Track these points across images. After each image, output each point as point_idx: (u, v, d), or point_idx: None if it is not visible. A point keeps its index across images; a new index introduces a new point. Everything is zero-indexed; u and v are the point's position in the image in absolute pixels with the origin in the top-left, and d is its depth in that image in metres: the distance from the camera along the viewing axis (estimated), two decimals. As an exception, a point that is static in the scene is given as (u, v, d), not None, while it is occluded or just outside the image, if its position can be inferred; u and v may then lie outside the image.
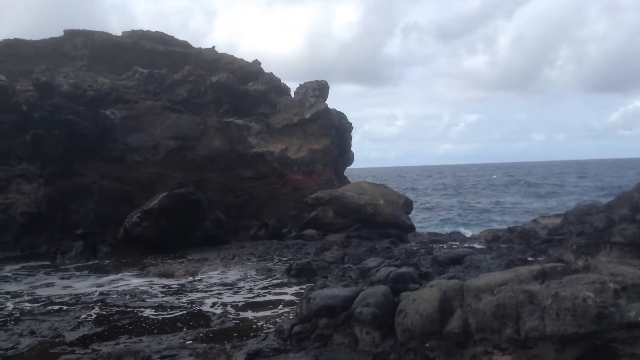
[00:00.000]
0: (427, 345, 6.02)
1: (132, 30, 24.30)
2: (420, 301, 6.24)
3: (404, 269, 9.28)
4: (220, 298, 10.69)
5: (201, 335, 8.19)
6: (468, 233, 22.01)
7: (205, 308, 9.97)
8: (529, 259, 11.99)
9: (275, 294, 10.97)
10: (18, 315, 9.82)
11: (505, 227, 19.93)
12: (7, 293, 11.76)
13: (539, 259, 11.69)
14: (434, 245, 15.78)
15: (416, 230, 19.99)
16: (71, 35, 22.59)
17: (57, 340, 8.28)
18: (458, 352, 5.87)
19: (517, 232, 16.14)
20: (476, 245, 15.60)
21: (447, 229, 27.06)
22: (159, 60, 22.65)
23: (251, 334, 8.00)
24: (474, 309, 5.90)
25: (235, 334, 8.16)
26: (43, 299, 11.08)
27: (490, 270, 9.67)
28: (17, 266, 15.28)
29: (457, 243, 17.00)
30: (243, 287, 11.65)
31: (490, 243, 15.90)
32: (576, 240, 10.47)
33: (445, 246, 15.81)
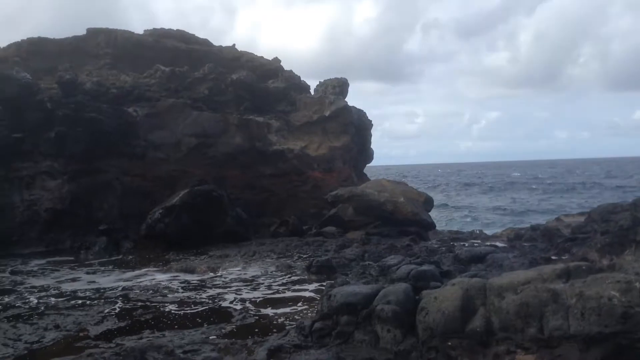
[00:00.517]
0: (449, 343, 5.99)
1: (154, 29, 24.53)
2: (442, 299, 6.20)
3: (425, 267, 9.27)
4: (241, 294, 10.76)
5: (223, 330, 8.25)
6: (490, 231, 21.82)
7: (226, 304, 10.05)
8: (553, 257, 11.89)
9: (295, 290, 11.01)
10: (43, 309, 9.99)
11: (527, 225, 19.75)
12: (33, 287, 11.97)
13: (563, 257, 11.58)
14: (455, 244, 15.68)
15: (437, 228, 19.89)
16: (94, 33, 22.86)
17: (81, 334, 8.41)
18: (480, 351, 5.83)
19: (540, 231, 15.99)
20: (498, 244, 15.48)
21: (468, 227, 26.88)
22: (180, 58, 22.82)
23: (275, 330, 8.03)
24: (497, 307, 5.85)
25: (256, 330, 8.21)
26: (67, 294, 11.25)
27: (513, 268, 9.60)
28: (43, 261, 15.57)
29: (479, 241, 16.88)
30: (263, 283, 11.71)
31: (513, 241, 15.77)
32: (601, 239, 10.34)
33: (466, 244, 15.70)
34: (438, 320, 6.10)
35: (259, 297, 10.47)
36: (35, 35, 22.28)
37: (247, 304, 9.95)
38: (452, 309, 6.05)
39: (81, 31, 23.02)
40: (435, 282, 8.31)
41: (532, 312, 5.61)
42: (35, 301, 10.65)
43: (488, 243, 15.85)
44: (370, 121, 25.82)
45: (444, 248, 14.27)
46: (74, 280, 12.86)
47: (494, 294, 6.00)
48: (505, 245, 15.24)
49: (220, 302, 10.17)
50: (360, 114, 24.92)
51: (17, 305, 10.34)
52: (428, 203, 19.67)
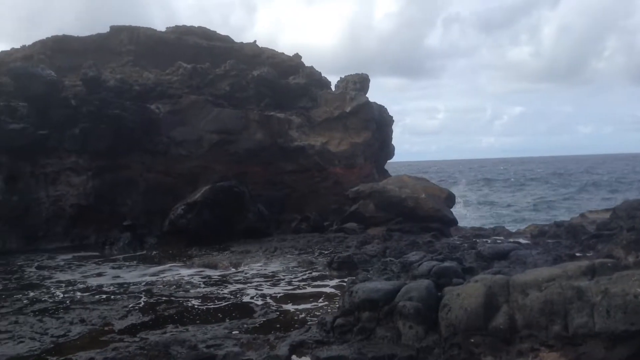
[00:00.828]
0: (472, 340, 5.95)
1: (176, 26, 24.73)
2: (465, 296, 6.17)
3: (447, 264, 9.22)
4: (263, 290, 10.82)
5: (245, 326, 8.31)
6: (513, 228, 21.60)
7: (248, 299, 10.12)
8: (577, 254, 11.74)
9: (316, 286, 11.04)
10: (69, 303, 10.17)
11: (551, 221, 19.51)
12: (60, 282, 12.20)
13: (588, 254, 11.43)
14: (478, 240, 15.56)
15: (459, 224, 19.74)
16: (117, 31, 23.11)
17: (106, 328, 8.54)
18: (504, 348, 5.79)
19: (564, 227, 15.79)
20: (521, 240, 15.31)
21: (491, 224, 26.64)
22: (202, 55, 22.96)
23: (297, 326, 8.06)
24: (520, 304, 5.80)
25: (278, 325, 8.25)
26: (93, 288, 11.44)
27: (537, 265, 9.50)
28: (69, 256, 15.85)
29: (502, 238, 16.72)
30: (284, 279, 11.76)
31: (536, 238, 15.60)
32: (626, 236, 10.17)
33: (489, 241, 15.57)
34: (461, 317, 6.07)
35: (280, 293, 10.52)
36: (58, 33, 22.63)
37: (269, 300, 10.00)
38: (475, 305, 6.02)
39: (104, 29, 23.31)
40: (458, 278, 8.26)
41: (556, 310, 5.56)
42: (61, 295, 10.85)
43: (511, 240, 15.70)
44: (391, 117, 25.73)
45: (466, 244, 14.17)
46: (99, 275, 13.07)
47: (517, 291, 5.95)
48: (529, 242, 15.07)
49: (242, 298, 10.25)
50: (382, 109, 24.84)
51: (43, 299, 10.55)
52: (450, 199, 19.53)
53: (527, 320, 5.72)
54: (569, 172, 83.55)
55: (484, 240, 15.90)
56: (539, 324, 5.63)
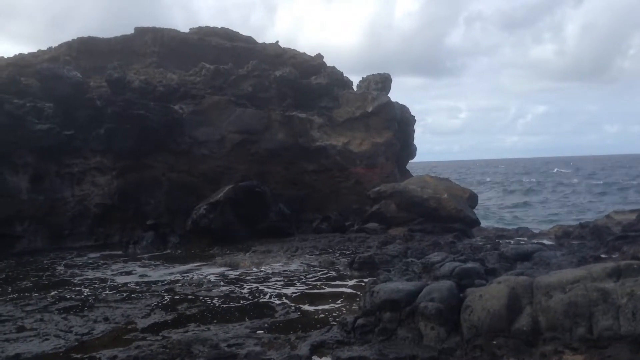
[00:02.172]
0: (495, 342, 5.90)
1: (199, 27, 24.92)
2: (488, 297, 6.12)
3: (469, 264, 9.14)
4: (284, 289, 10.85)
5: (266, 325, 8.34)
6: (536, 228, 21.35)
7: (269, 299, 10.15)
8: (602, 256, 11.56)
9: (337, 286, 11.03)
10: (93, 301, 10.31)
11: (576, 222, 19.23)
12: (85, 280, 12.39)
13: (613, 256, 11.24)
14: (501, 241, 15.42)
15: (481, 225, 19.57)
16: (141, 32, 23.38)
17: (129, 326, 8.63)
18: (527, 351, 5.73)
19: (589, 228, 15.57)
20: (545, 242, 15.13)
21: (513, 224, 26.35)
22: (225, 56, 23.11)
23: (317, 326, 8.07)
24: (544, 306, 5.73)
25: (299, 325, 8.26)
26: (116, 287, 11.59)
27: (561, 267, 9.38)
28: (97, 254, 16.12)
29: (525, 239, 16.54)
30: (305, 279, 11.77)
31: (561, 239, 15.40)
32: (654, 238, 9.98)
33: (512, 242, 15.41)
34: (483, 318, 6.02)
35: (301, 293, 10.53)
36: (83, 35, 22.97)
37: (290, 299, 10.02)
38: (498, 307, 5.97)
39: (127, 30, 23.61)
40: (480, 280, 8.18)
41: (580, 312, 5.49)
42: (86, 293, 11.00)
43: (535, 241, 15.52)
44: (413, 117, 25.59)
45: (489, 245, 14.04)
46: (122, 273, 13.24)
47: (541, 292, 5.88)
48: (553, 243, 14.89)
49: (263, 297, 10.28)
50: (403, 109, 24.72)
51: (68, 297, 10.71)
52: (472, 199, 19.36)
53: (550, 323, 5.65)
54: (594, 171, 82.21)
55: (507, 241, 15.75)
56: (563, 326, 5.56)
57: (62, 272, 13.56)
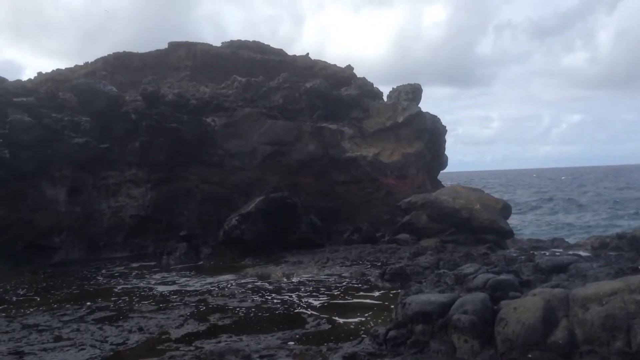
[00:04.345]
0: (530, 356, 5.80)
1: (231, 41, 25.29)
2: (523, 310, 6.02)
3: (503, 276, 8.97)
4: (315, 300, 10.85)
5: (297, 336, 8.35)
6: (572, 240, 20.89)
7: (300, 310, 10.16)
8: (641, 268, 11.22)
9: (368, 297, 10.99)
10: (127, 312, 10.47)
11: (613, 233, 18.75)
12: (120, 290, 12.59)
13: (653, 268, 10.91)
14: (535, 252, 15.11)
15: (515, 236, 19.24)
16: (174, 47, 23.85)
17: (163, 337, 8.74)
18: (563, 365, 5.61)
19: (627, 239, 15.14)
20: (581, 253, 14.77)
21: (549, 235, 25.84)
22: (256, 69, 23.38)
23: (349, 337, 8.04)
24: (580, 319, 5.61)
25: (330, 337, 8.24)
26: (150, 297, 11.75)
27: (598, 279, 9.14)
28: (136, 265, 16.41)
29: (561, 250, 16.19)
30: (336, 290, 11.75)
31: (597, 250, 15.02)
32: (696, 249, 9.68)
33: (547, 253, 15.09)
34: (518, 331, 5.92)
35: (332, 304, 10.51)
36: (117, 50, 23.54)
37: (320, 310, 10.01)
38: (533, 320, 5.86)
39: (158, 44, 24.12)
40: (515, 292, 8.03)
41: (618, 325, 5.36)
42: (121, 304, 11.19)
43: (571, 252, 15.16)
44: (445, 127, 25.39)
45: (523, 257, 13.78)
46: (157, 284, 13.42)
47: (577, 305, 5.76)
48: (589, 254, 14.53)
49: (294, 308, 10.30)
50: (435, 119, 24.56)
51: (104, 307, 10.90)
52: (506, 210, 19.05)
53: (587, 336, 5.53)
54: (632, 181, 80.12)
55: (542, 252, 15.43)
56: (600, 339, 5.43)
57: (98, 282, 13.81)
